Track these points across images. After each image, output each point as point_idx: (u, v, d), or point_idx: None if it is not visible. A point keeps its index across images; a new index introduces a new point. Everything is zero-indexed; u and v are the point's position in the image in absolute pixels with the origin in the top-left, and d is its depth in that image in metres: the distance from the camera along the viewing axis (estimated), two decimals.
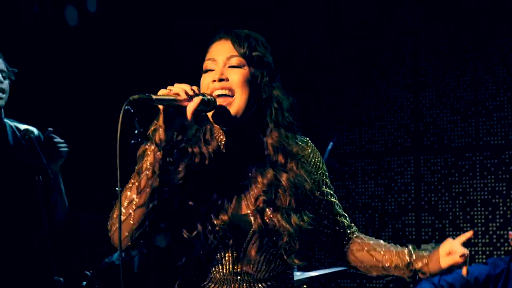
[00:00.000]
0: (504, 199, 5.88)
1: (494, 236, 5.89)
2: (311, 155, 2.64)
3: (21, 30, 5.68)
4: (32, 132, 4.07)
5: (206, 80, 2.47)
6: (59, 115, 5.64)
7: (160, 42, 6.66)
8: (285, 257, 2.45)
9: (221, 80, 2.44)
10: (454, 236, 5.84)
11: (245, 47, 2.47)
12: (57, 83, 5.95)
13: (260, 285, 2.48)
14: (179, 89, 2.31)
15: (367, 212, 6.24)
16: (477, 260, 5.93)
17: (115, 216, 2.38)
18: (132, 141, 4.65)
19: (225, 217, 2.43)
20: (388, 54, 6.38)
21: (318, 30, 6.54)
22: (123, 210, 2.35)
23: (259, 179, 2.47)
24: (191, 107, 2.30)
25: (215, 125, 2.51)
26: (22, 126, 4.20)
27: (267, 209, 2.43)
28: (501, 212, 5.89)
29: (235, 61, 2.46)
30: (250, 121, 2.49)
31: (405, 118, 6.33)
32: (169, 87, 2.33)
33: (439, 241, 5.98)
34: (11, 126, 4.18)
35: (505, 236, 5.84)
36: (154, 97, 2.26)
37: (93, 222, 5.81)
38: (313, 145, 2.67)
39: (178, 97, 2.30)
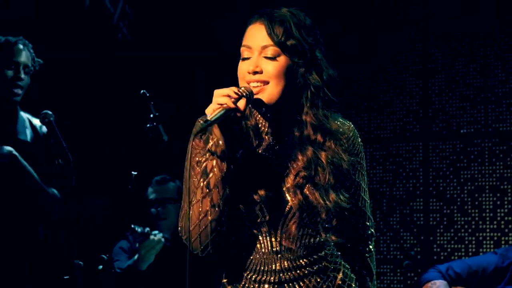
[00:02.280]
0: None
1: (502, 222, 5.93)
2: (352, 139, 2.61)
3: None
4: (52, 115, 4.08)
5: (243, 69, 2.51)
6: (70, 101, 5.66)
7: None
8: (322, 233, 2.50)
9: (255, 72, 2.47)
10: (461, 222, 5.91)
11: (279, 35, 2.47)
12: (69, 69, 5.95)
13: (301, 261, 2.52)
14: (225, 99, 2.34)
15: (375, 197, 6.27)
16: (484, 246, 5.97)
17: (192, 228, 2.48)
18: (148, 125, 4.67)
19: (262, 193, 2.47)
20: (398, 40, 6.38)
21: (327, 15, 6.53)
22: (200, 222, 2.45)
23: (299, 157, 2.50)
24: (241, 107, 2.37)
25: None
26: (35, 120, 4.23)
27: (307, 185, 2.47)
28: (509, 199, 5.92)
29: (269, 51, 2.47)
30: (287, 102, 2.52)
31: (414, 104, 6.34)
32: (215, 103, 2.35)
33: (447, 227, 6.07)
34: (26, 119, 4.22)
35: None
36: (209, 118, 2.30)
37: (100, 207, 5.83)
38: (356, 132, 2.64)
39: (227, 106, 2.34)
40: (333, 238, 2.55)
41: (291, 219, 2.48)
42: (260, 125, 2.57)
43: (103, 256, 4.37)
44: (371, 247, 2.65)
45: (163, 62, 6.42)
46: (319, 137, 2.50)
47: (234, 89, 2.39)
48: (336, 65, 2.66)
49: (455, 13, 6.16)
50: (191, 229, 2.47)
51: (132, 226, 4.87)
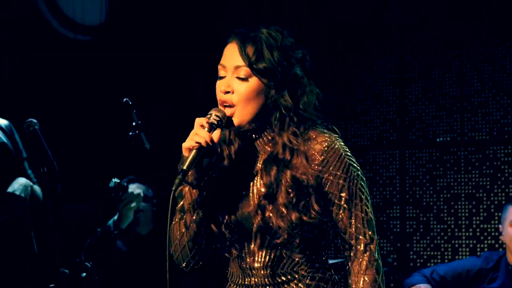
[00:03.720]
0: (488, 193, 5.99)
1: (478, 230, 6.00)
2: (328, 151, 2.48)
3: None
4: (36, 123, 4.07)
5: (217, 88, 2.54)
6: (52, 106, 5.64)
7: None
8: (284, 254, 2.50)
9: (227, 92, 2.50)
10: (437, 229, 5.98)
11: (250, 57, 2.48)
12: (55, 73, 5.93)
13: (275, 279, 2.54)
14: (198, 138, 2.41)
15: None
16: (460, 253, 6.04)
17: (174, 246, 2.62)
18: (130, 133, 4.69)
19: (232, 216, 2.54)
20: (375, 49, 6.44)
21: (304, 24, 6.58)
22: (178, 241, 2.60)
23: (264, 177, 2.52)
24: (215, 139, 2.44)
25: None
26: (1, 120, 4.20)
27: (268, 206, 2.48)
28: (485, 207, 6.00)
29: (240, 72, 2.49)
30: (262, 122, 2.55)
31: (390, 112, 6.40)
32: (192, 140, 2.41)
33: (424, 234, 6.13)
34: None
35: (489, 230, 5.96)
36: (185, 167, 2.39)
37: (76, 212, 5.82)
38: (336, 144, 2.50)
39: (202, 144, 2.41)
40: (297, 256, 2.50)
41: (256, 241, 2.52)
42: (234, 146, 2.61)
43: (87, 264, 4.38)
44: (373, 259, 2.50)
45: (160, 64, 6.42)
46: (287, 155, 2.48)
47: (205, 120, 2.44)
48: (313, 73, 2.65)
49: (432, 22, 6.23)
50: (172, 248, 2.62)
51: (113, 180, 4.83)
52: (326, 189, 2.48)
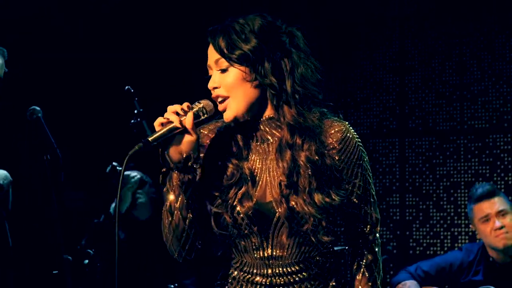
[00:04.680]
0: (487, 181, 6.00)
1: None
2: (345, 140, 2.56)
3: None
4: (40, 111, 4.09)
5: (208, 87, 2.56)
6: (56, 96, 5.66)
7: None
8: (312, 238, 2.49)
9: (215, 88, 2.52)
10: (437, 217, 6.01)
11: (223, 48, 2.50)
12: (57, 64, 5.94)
13: (293, 268, 2.54)
14: (170, 116, 2.41)
15: None
16: (459, 241, 6.07)
17: (165, 235, 2.58)
18: (132, 121, 4.69)
19: (249, 204, 2.50)
20: (375, 37, 6.45)
21: (304, 12, 6.58)
22: (167, 231, 2.55)
23: (280, 164, 2.51)
24: (188, 124, 2.42)
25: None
26: None
27: (291, 193, 2.47)
28: None
29: (220, 65, 2.51)
30: (259, 109, 2.55)
31: (390, 101, 6.42)
32: (160, 118, 2.43)
33: (423, 222, 6.16)
34: None
35: None
36: (150, 139, 2.36)
37: (78, 198, 5.84)
38: (351, 132, 2.59)
39: (174, 124, 2.41)
40: (325, 238, 2.51)
41: (281, 229, 2.50)
42: (239, 135, 2.60)
43: (89, 251, 4.40)
44: (376, 237, 2.64)
45: (160, 64, 6.43)
46: (297, 139, 2.49)
47: (186, 104, 2.46)
48: (309, 46, 2.65)
49: (432, 11, 6.24)
50: (164, 238, 2.58)
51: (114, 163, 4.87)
52: (343, 175, 2.54)
